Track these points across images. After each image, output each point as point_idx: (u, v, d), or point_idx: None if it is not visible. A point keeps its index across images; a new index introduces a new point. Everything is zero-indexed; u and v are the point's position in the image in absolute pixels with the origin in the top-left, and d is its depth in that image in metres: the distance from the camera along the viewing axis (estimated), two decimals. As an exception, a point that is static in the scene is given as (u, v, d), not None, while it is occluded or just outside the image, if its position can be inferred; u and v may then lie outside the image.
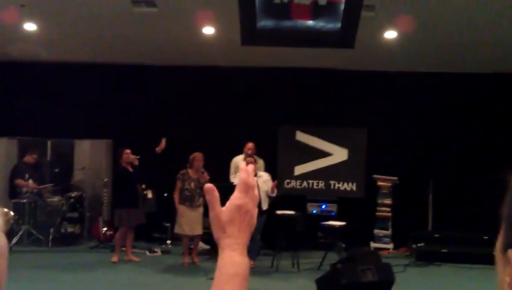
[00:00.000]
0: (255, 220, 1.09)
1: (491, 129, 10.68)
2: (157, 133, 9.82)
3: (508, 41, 8.91)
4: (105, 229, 10.06)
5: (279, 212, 8.98)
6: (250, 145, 9.21)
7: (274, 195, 8.66)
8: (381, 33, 8.82)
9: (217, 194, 1.07)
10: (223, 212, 1.07)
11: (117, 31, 9.18)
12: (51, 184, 10.28)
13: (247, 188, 1.08)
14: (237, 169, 8.87)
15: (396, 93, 10.80)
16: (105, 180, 10.27)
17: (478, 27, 8.45)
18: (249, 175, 1.10)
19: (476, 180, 10.45)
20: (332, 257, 8.32)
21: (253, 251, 8.59)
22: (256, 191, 1.10)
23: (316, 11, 7.24)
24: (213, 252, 9.53)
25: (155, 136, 9.08)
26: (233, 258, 1.04)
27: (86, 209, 10.46)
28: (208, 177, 8.68)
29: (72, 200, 10.10)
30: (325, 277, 6.37)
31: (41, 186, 10.05)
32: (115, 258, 8.75)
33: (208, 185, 1.07)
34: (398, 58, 9.73)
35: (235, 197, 1.08)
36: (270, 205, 8.71)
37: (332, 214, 10.27)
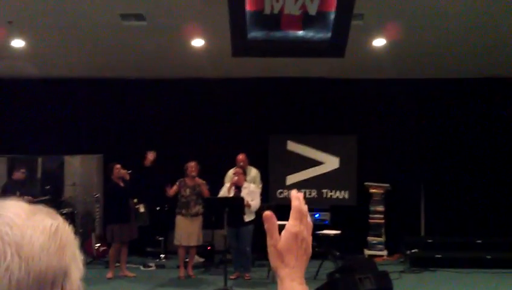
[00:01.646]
0: (310, 248, 1.08)
1: (481, 134, 10.77)
2: (148, 147, 9.78)
3: (498, 47, 9.04)
4: (98, 245, 9.96)
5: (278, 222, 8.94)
6: (240, 157, 9.21)
7: (251, 209, 8.47)
8: (370, 41, 8.88)
9: (275, 221, 1.06)
10: (280, 241, 1.05)
11: (106, 45, 9.14)
12: (47, 196, 10.10)
13: (301, 215, 1.07)
14: (229, 179, 8.88)
15: (386, 100, 10.87)
16: (97, 195, 10.18)
17: (466, 33, 8.54)
18: (301, 202, 1.08)
19: (468, 185, 10.58)
20: (328, 266, 8.31)
21: (245, 264, 8.58)
22: (309, 218, 1.09)
23: (306, 21, 7.28)
24: (208, 264, 9.50)
25: (146, 150, 9.02)
26: (293, 287, 1.03)
27: (78, 225, 10.32)
28: (201, 181, 8.67)
29: (63, 216, 9.83)
30: (324, 288, 6.35)
31: (36, 199, 9.87)
32: (109, 274, 8.66)
33: (267, 213, 1.06)
34: (387, 65, 9.80)
35: (291, 225, 1.06)
36: (256, 214, 8.59)
37: (326, 222, 10.27)
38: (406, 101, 10.82)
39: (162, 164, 9.14)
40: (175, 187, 8.68)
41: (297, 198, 1.09)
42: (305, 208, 1.08)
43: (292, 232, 1.05)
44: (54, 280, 0.80)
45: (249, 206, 8.33)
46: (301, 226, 1.06)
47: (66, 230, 0.84)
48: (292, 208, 1.07)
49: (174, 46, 9.12)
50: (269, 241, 1.06)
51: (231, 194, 8.43)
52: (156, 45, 9.00)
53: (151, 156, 8.80)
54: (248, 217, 8.35)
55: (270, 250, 1.06)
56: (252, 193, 8.53)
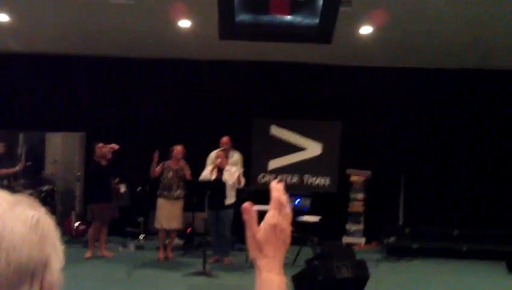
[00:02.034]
0: (289, 239, 1.09)
1: (463, 125, 10.85)
2: (131, 126, 9.73)
3: (487, 38, 9.05)
4: (77, 223, 9.91)
5: (255, 207, 8.97)
6: (224, 139, 9.21)
7: (241, 185, 8.62)
8: (357, 28, 8.88)
9: (254, 213, 1.07)
10: (259, 232, 1.06)
11: (93, 23, 9.03)
12: (24, 164, 9.99)
13: (280, 206, 1.07)
14: (211, 161, 8.88)
15: (372, 88, 10.91)
16: (78, 173, 10.11)
17: (455, 23, 8.55)
18: (281, 193, 1.08)
19: (447, 176, 10.70)
20: (306, 252, 8.37)
21: (225, 248, 8.60)
22: (288, 208, 1.09)
23: (294, 7, 7.24)
24: (187, 247, 9.51)
25: (129, 129, 8.96)
26: (271, 278, 1.04)
27: (58, 203, 10.28)
28: (183, 164, 8.65)
29: (43, 193, 9.91)
30: (302, 274, 6.40)
31: (14, 169, 9.76)
32: (88, 254, 8.63)
33: (245, 205, 1.07)
34: (374, 53, 9.81)
35: (270, 216, 1.06)
36: (238, 197, 8.64)
37: (306, 208, 10.31)
38: (390, 90, 10.86)
39: (144, 145, 9.09)
40: (158, 168, 8.63)
41: (277, 189, 1.09)
42: (285, 198, 1.09)
43: (271, 224, 1.06)
44: (35, 271, 0.80)
45: (239, 182, 8.45)
46: (280, 217, 1.06)
47: (47, 221, 0.84)
48: (271, 199, 1.07)
49: (160, 27, 9.04)
50: (248, 233, 1.07)
51: (213, 177, 8.42)
52: (143, 24, 8.90)
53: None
54: (229, 200, 8.35)
55: (249, 241, 1.07)
56: (234, 173, 8.53)
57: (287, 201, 1.09)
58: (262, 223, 1.07)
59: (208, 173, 8.51)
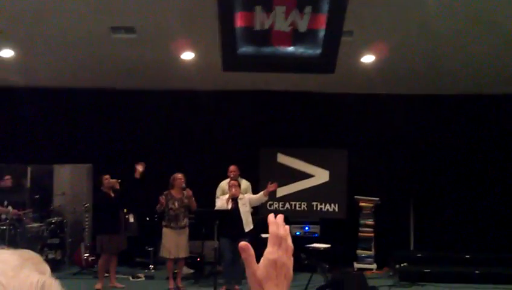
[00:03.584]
0: (291, 272, 1.06)
1: (470, 150, 10.78)
2: (138, 158, 9.73)
3: (483, 65, 9.18)
4: (87, 255, 9.92)
5: (264, 235, 8.96)
6: (232, 168, 9.20)
7: (266, 198, 8.64)
8: (359, 57, 8.95)
9: (252, 252, 1.04)
10: (259, 269, 1.03)
11: (96, 57, 9.13)
12: (31, 209, 10.12)
13: (279, 240, 1.05)
14: (223, 192, 8.87)
15: (376, 115, 10.90)
16: (86, 205, 10.13)
17: (453, 52, 8.63)
18: (279, 227, 1.06)
19: (457, 200, 10.59)
20: (317, 279, 8.31)
21: (236, 276, 8.56)
22: (289, 241, 1.07)
23: (295, 38, 7.30)
24: (197, 276, 9.48)
25: (135, 161, 8.95)
26: None
27: (67, 235, 10.30)
28: (190, 192, 8.65)
29: (52, 226, 9.96)
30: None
31: (21, 212, 9.88)
32: (98, 285, 8.61)
33: (243, 243, 1.04)
34: (376, 81, 9.83)
35: (269, 252, 1.04)
36: (257, 223, 8.65)
37: (315, 235, 10.26)
38: (395, 116, 10.83)
39: (152, 176, 9.10)
40: (162, 200, 8.63)
41: (274, 223, 1.07)
42: (284, 231, 1.06)
43: (270, 259, 1.04)
44: None
45: (266, 195, 8.48)
46: (279, 252, 1.04)
47: (53, 285, 0.81)
48: (269, 234, 1.06)
49: (164, 59, 9.12)
50: (247, 271, 1.04)
51: (229, 207, 8.41)
52: (146, 57, 8.99)
53: (140, 167, 8.74)
54: (247, 227, 8.33)
55: (250, 279, 1.04)
56: (247, 201, 8.52)
57: (287, 233, 1.07)
58: (261, 260, 1.04)
59: (224, 203, 8.48)
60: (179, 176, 8.74)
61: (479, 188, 10.63)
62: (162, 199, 8.59)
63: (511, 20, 7.59)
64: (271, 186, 8.38)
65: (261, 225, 9.65)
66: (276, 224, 1.07)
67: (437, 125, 10.91)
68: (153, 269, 10.07)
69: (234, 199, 8.44)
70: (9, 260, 0.80)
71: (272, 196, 10.51)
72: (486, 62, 9.08)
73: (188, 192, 8.67)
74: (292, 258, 1.06)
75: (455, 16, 7.46)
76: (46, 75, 10.12)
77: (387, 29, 7.85)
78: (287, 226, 1.08)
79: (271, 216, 1.09)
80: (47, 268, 0.85)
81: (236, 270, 8.49)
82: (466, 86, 10.25)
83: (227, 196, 8.53)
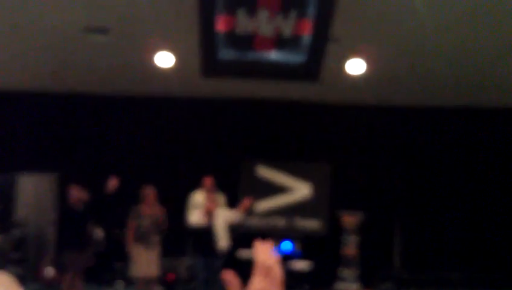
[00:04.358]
0: None
1: (458, 166, 10.62)
2: (109, 167, 9.28)
3: (474, 75, 9.05)
4: (50, 270, 9.35)
5: (241, 253, 8.54)
6: (208, 181, 8.70)
7: (243, 215, 8.32)
8: (344, 66, 8.71)
9: (238, 282, 1.06)
10: None
11: (67, 58, 8.80)
12: None
13: (266, 270, 1.03)
14: (195, 205, 8.36)
15: (361, 127, 10.71)
16: (51, 216, 9.58)
17: (443, 62, 8.53)
18: (267, 256, 1.04)
19: (443, 218, 10.47)
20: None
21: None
22: (278, 269, 1.04)
23: (279, 43, 7.00)
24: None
25: (105, 170, 8.45)
26: None
27: (30, 249, 9.71)
28: (164, 210, 8.22)
29: (14, 239, 9.38)
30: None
31: None
32: (63, 305, 8.06)
33: (227, 274, 1.06)
34: (362, 91, 9.65)
35: (256, 282, 1.02)
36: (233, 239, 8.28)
37: (296, 253, 9.85)
38: (381, 130, 10.69)
39: (123, 186, 8.57)
40: (132, 222, 8.13)
41: (261, 251, 1.05)
42: (272, 260, 1.04)
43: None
44: None
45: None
46: (267, 281, 1.02)
47: None
48: (255, 263, 1.04)
49: (138, 63, 8.79)
50: None
51: (203, 222, 7.90)
52: (120, 60, 8.73)
53: (113, 183, 8.18)
54: (222, 243, 7.88)
55: None
56: (225, 217, 8.07)
57: (275, 262, 1.04)
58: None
59: (199, 218, 7.96)
60: (149, 191, 8.25)
61: (468, 205, 10.47)
62: (131, 222, 8.11)
63: (504, 30, 7.40)
64: (246, 202, 8.01)
65: (238, 241, 9.24)
66: (263, 252, 1.05)
67: (424, 139, 10.77)
68: (123, 286, 9.54)
69: (210, 214, 7.96)
70: None
71: (250, 210, 10.09)
72: (476, 74, 9.01)
73: (161, 210, 8.20)
74: (281, 287, 1.05)
75: (445, 26, 7.36)
76: (12, 77, 9.70)
77: (375, 37, 7.60)
78: (277, 254, 1.06)
79: (258, 243, 1.07)
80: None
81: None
82: (454, 98, 10.16)
83: (200, 210, 8.04)
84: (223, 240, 7.90)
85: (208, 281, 8.02)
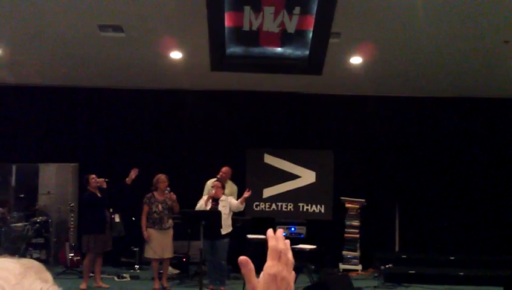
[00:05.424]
0: (292, 286, 1.04)
1: (457, 152, 10.87)
2: (125, 157, 9.70)
3: (469, 69, 9.26)
4: (72, 254, 9.83)
5: (250, 236, 8.95)
6: (224, 169, 9.15)
7: (242, 207, 8.61)
8: (346, 58, 8.98)
9: (252, 266, 1.02)
10: (259, 284, 1.02)
11: (83, 55, 9.10)
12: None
13: (279, 254, 1.03)
14: (208, 190, 8.85)
15: (362, 116, 10.95)
16: (72, 204, 10.05)
17: (440, 55, 8.70)
18: (278, 241, 1.04)
19: (442, 202, 10.68)
20: (303, 280, 8.33)
21: (220, 277, 8.55)
22: (289, 254, 1.04)
23: (284, 39, 7.33)
24: (182, 276, 9.46)
25: (122, 160, 8.92)
26: None
27: (52, 234, 10.20)
28: (174, 196, 8.63)
29: (37, 225, 9.87)
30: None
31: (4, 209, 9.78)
32: (83, 285, 8.55)
33: (242, 258, 1.02)
34: (363, 82, 9.91)
35: (269, 267, 1.02)
36: (235, 226, 8.66)
37: (302, 236, 10.26)
38: (382, 118, 10.92)
39: (139, 175, 9.06)
40: (146, 208, 8.62)
41: (273, 237, 1.05)
42: (284, 245, 1.04)
43: (270, 274, 1.01)
44: None
45: (242, 203, 8.44)
46: (279, 266, 1.01)
47: None
48: (269, 248, 1.03)
49: (152, 58, 9.11)
50: (248, 286, 1.02)
51: (208, 207, 8.40)
52: (134, 56, 8.96)
53: (133, 173, 8.71)
54: (225, 230, 8.32)
55: None
56: (227, 205, 8.50)
57: (287, 247, 1.05)
58: (261, 275, 1.02)
59: (202, 204, 8.48)
60: (163, 178, 8.71)
61: (464, 190, 10.71)
62: (145, 207, 8.61)
63: (496, 23, 7.66)
64: (246, 194, 8.36)
65: (247, 225, 9.70)
66: (275, 238, 1.05)
67: (423, 127, 10.99)
68: (138, 269, 10.03)
69: (215, 200, 8.43)
70: (11, 268, 0.80)
71: (258, 197, 10.54)
72: (472, 65, 9.17)
73: (172, 196, 8.65)
74: (293, 273, 1.04)
75: (443, 18, 7.52)
76: (32, 73, 10.04)
77: (375, 31, 7.89)
78: (288, 241, 1.06)
79: (270, 231, 1.07)
80: (49, 276, 0.84)
81: (219, 272, 8.49)
82: (452, 88, 10.33)
83: (206, 197, 8.53)
84: (224, 227, 8.26)
85: (215, 263, 8.52)
